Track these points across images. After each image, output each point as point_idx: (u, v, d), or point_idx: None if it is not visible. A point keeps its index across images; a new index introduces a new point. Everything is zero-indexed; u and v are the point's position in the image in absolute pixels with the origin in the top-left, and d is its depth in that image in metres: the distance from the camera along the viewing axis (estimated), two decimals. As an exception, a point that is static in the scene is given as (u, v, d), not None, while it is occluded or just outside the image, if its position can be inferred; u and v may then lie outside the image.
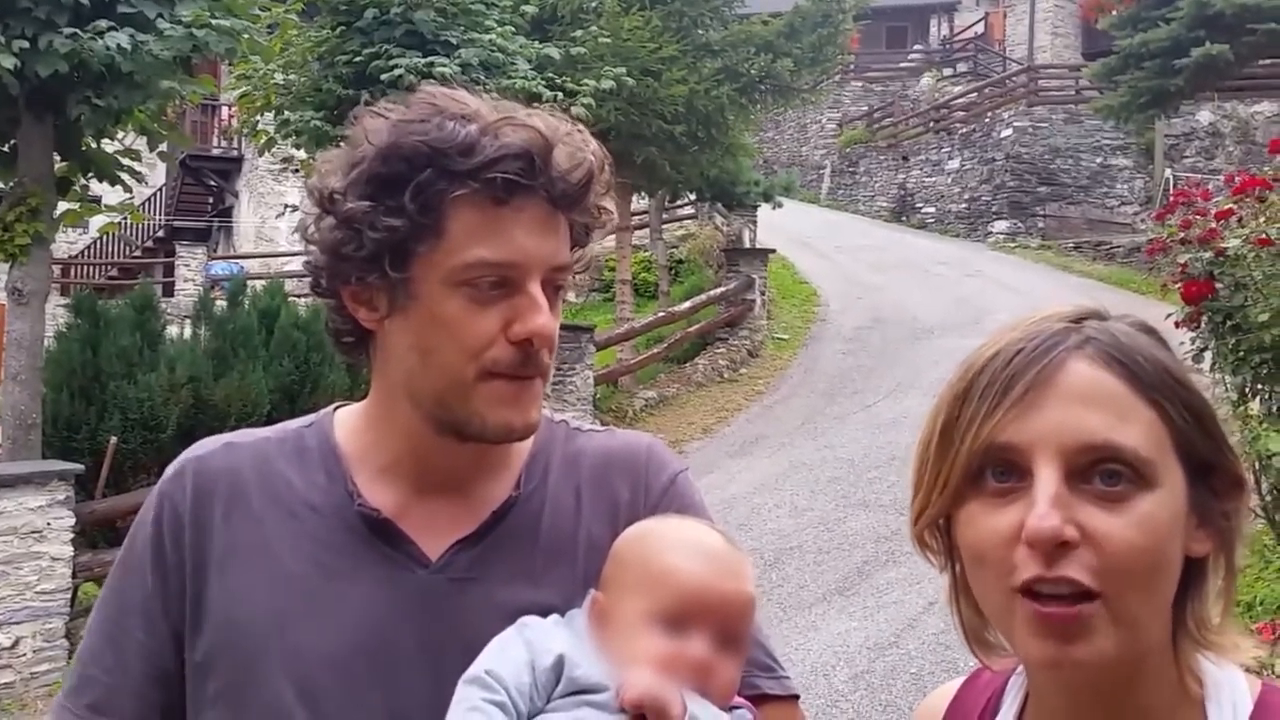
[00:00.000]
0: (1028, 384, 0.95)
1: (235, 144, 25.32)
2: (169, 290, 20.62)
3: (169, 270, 22.22)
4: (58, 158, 8.18)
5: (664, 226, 19.13)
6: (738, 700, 1.20)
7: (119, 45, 6.98)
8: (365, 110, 1.25)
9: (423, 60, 9.95)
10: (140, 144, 8.64)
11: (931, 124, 27.54)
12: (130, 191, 8.86)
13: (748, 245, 18.55)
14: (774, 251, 18.30)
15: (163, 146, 8.89)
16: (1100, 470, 0.92)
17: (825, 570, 8.17)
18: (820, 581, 7.96)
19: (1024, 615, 0.93)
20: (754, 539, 8.69)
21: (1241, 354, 5.64)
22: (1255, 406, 5.85)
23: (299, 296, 11.13)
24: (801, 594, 7.73)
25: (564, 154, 1.21)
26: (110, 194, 9.00)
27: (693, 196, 18.42)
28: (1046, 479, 0.92)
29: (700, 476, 10.22)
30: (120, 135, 8.47)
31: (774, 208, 18.32)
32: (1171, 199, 6.67)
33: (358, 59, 10.45)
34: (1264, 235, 5.48)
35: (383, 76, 9.99)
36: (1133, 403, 0.94)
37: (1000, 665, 1.08)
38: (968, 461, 0.97)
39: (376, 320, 1.24)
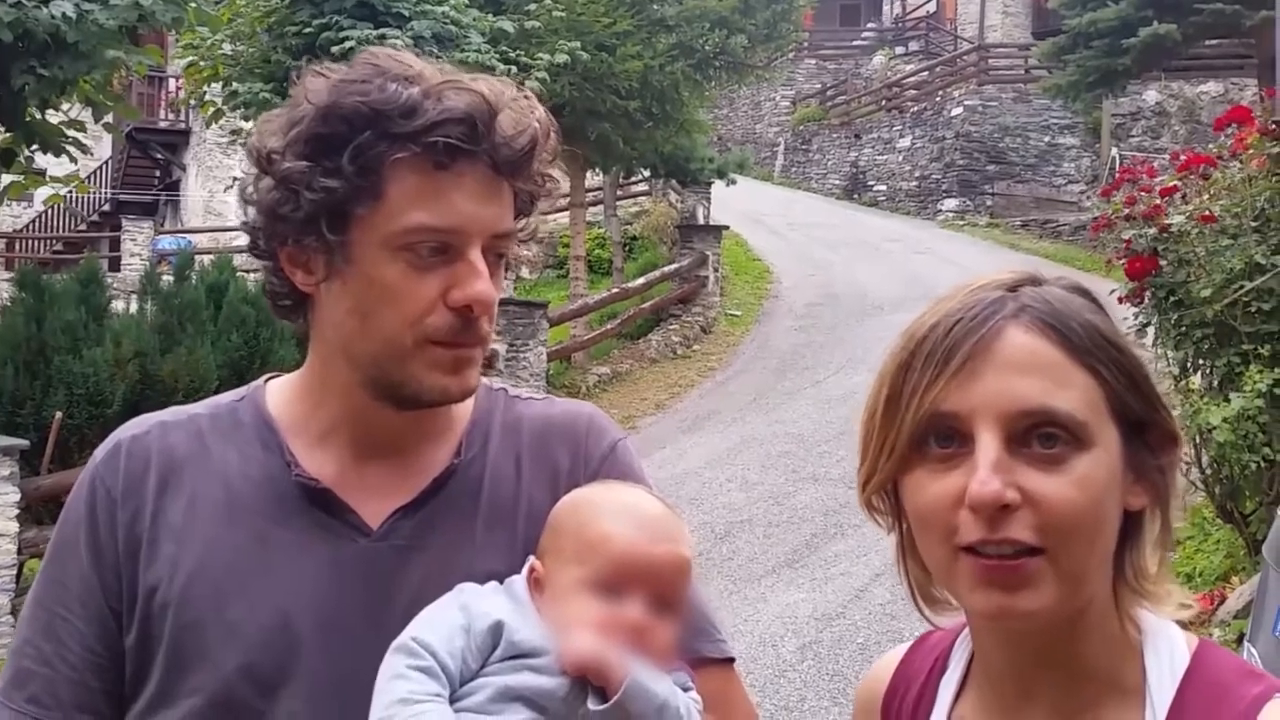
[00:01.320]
0: (966, 354, 0.98)
1: (183, 116, 24.95)
2: (115, 265, 20.24)
3: (115, 245, 21.81)
4: (1, 129, 8.03)
5: (618, 203, 19.09)
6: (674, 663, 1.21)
7: (64, 14, 6.87)
8: (308, 70, 1.22)
9: (374, 32, 9.86)
10: (85, 115, 8.50)
11: (884, 102, 27.68)
12: (75, 163, 8.73)
13: (701, 222, 18.58)
14: (727, 228, 18.33)
15: (108, 118, 8.77)
16: (1038, 434, 0.95)
17: (775, 543, 8.25)
18: (770, 554, 8.04)
19: (967, 570, 0.96)
20: (705, 513, 8.75)
21: (1184, 329, 5.74)
22: (1196, 381, 5.95)
23: (248, 271, 11.00)
24: (751, 566, 7.79)
25: (508, 119, 1.18)
26: (55, 166, 8.86)
27: (647, 173, 18.40)
28: (987, 445, 0.95)
29: (653, 452, 10.30)
30: (65, 106, 8.33)
31: (728, 185, 18.36)
32: (1117, 176, 6.76)
33: (307, 30, 10.33)
34: (1207, 212, 5.57)
35: (333, 48, 9.86)
36: (1067, 368, 0.97)
37: (947, 623, 1.11)
38: (912, 430, 0.99)
39: (313, 284, 1.22)
